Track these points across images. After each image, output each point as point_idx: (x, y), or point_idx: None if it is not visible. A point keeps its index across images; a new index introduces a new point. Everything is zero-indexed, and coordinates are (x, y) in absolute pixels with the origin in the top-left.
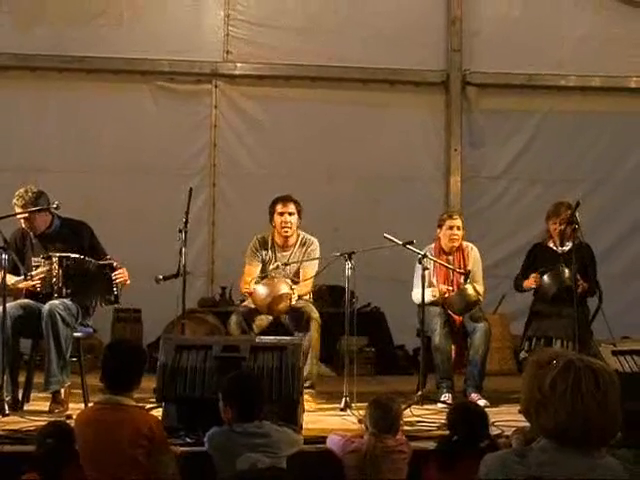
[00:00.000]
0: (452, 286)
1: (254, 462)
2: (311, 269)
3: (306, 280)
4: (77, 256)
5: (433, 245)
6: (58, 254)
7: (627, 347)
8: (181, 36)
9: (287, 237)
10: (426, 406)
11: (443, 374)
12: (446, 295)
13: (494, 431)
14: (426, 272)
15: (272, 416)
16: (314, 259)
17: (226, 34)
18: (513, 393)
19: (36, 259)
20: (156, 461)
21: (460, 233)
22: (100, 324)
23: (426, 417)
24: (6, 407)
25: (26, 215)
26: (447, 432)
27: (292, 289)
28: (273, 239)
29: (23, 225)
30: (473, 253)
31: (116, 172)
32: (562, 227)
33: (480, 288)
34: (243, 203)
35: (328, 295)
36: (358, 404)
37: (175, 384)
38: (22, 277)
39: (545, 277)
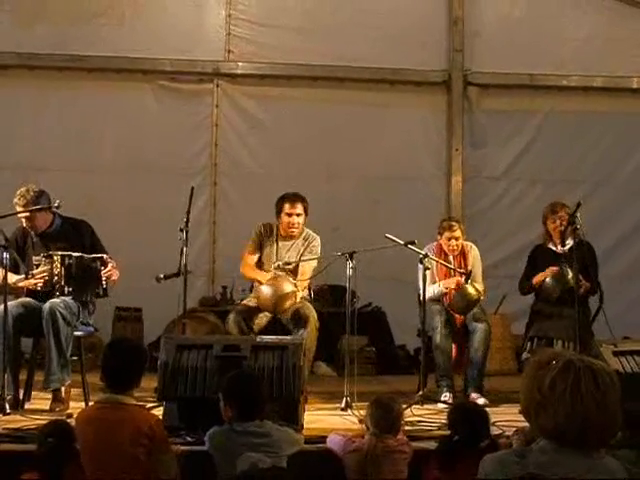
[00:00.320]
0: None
1: (255, 461)
2: (309, 266)
3: (304, 276)
4: (79, 254)
5: (434, 244)
6: (60, 253)
7: (628, 347)
8: (183, 35)
9: (293, 236)
10: (427, 406)
11: (443, 372)
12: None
13: (495, 431)
14: (427, 272)
15: (273, 415)
16: (313, 258)
17: (228, 33)
18: (514, 393)
19: (37, 258)
20: (156, 460)
21: (459, 243)
22: (101, 323)
23: (427, 417)
24: (7, 406)
25: (27, 214)
26: (448, 432)
27: (296, 287)
28: (278, 230)
29: (24, 224)
30: (473, 252)
31: (117, 171)
32: (562, 228)
33: (480, 287)
34: (244, 202)
35: (329, 295)
36: (359, 404)
37: (176, 383)
38: (23, 276)
39: (548, 279)
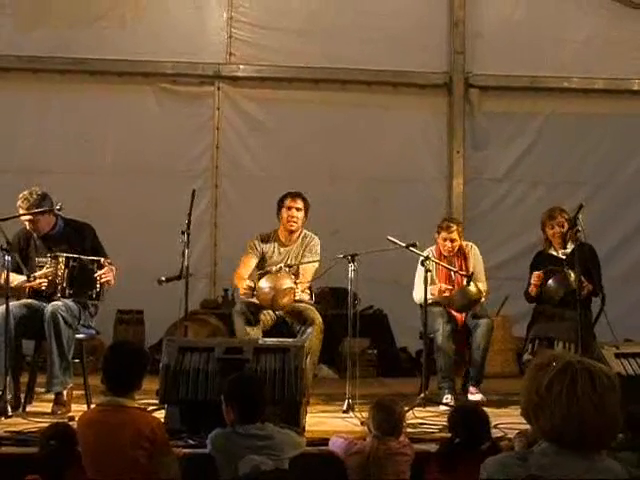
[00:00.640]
0: (453, 286)
1: (257, 464)
2: (311, 267)
3: (305, 277)
4: (83, 257)
5: (434, 247)
6: (65, 254)
7: (630, 350)
8: (184, 38)
9: (292, 231)
10: (428, 408)
11: (445, 374)
12: (445, 294)
13: (496, 434)
14: (428, 274)
15: (274, 418)
16: (315, 260)
17: (229, 36)
18: (515, 395)
19: (41, 259)
20: (158, 463)
21: (454, 245)
22: (102, 326)
23: (428, 419)
24: (9, 408)
25: (30, 217)
26: (449, 434)
27: (295, 283)
28: (277, 234)
29: (27, 226)
30: (473, 251)
31: (119, 174)
32: (564, 230)
33: (483, 286)
34: (245, 205)
35: (331, 297)
36: (361, 406)
37: (178, 386)
38: (25, 278)
39: (551, 282)
